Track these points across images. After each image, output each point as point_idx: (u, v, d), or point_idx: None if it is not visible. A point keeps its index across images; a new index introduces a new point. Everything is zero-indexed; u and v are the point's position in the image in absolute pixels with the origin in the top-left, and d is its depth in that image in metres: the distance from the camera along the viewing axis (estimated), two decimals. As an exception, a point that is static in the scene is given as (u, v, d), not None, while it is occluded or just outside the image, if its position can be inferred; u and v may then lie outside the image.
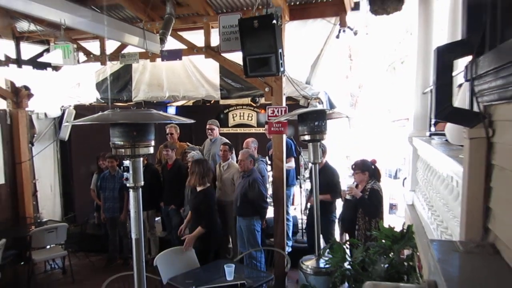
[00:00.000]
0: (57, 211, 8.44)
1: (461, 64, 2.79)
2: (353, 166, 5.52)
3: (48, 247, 6.63)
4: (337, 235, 6.23)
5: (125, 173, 3.09)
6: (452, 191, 2.40)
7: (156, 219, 7.37)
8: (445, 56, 1.70)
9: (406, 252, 3.55)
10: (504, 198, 1.48)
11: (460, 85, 2.92)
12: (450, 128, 2.94)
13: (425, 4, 4.51)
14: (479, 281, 1.37)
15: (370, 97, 19.56)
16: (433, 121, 4.09)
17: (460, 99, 2.61)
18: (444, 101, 1.67)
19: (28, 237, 6.16)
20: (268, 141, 6.75)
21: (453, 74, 1.82)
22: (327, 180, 5.78)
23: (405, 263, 3.31)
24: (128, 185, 3.16)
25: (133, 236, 3.21)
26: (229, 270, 4.25)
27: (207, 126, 6.95)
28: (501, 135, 1.51)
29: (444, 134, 3.26)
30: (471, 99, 1.69)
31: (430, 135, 3.97)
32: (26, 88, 7.21)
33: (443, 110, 1.69)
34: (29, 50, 6.74)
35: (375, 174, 5.38)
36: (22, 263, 6.75)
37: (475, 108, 1.64)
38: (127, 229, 6.76)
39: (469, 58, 1.70)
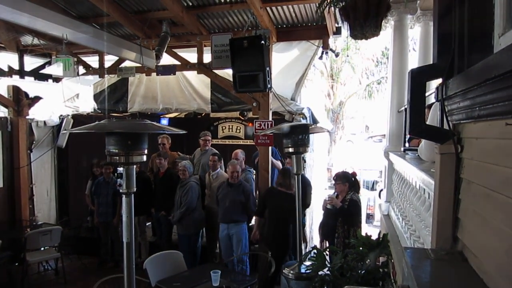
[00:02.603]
0: (52, 215, 8.28)
1: (433, 85, 2.85)
2: (335, 177, 5.55)
3: (42, 249, 6.48)
4: (316, 242, 6.24)
5: (118, 180, 3.05)
6: (424, 203, 2.42)
7: (147, 224, 7.27)
8: (418, 78, 1.73)
9: (382, 259, 3.56)
10: (471, 210, 1.50)
11: (429, 106, 2.97)
12: (422, 147, 2.99)
13: (399, 31, 4.61)
14: (449, 286, 1.38)
15: (349, 114, 19.79)
16: (407, 137, 4.14)
17: (430, 118, 2.66)
18: (418, 119, 1.69)
19: (23, 239, 6.02)
20: (254, 151, 6.76)
21: (426, 94, 1.85)
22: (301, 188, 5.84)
23: (381, 270, 3.31)
24: (121, 191, 3.12)
25: (125, 240, 3.16)
26: (215, 277, 4.19)
27: (203, 138, 6.88)
28: (469, 151, 1.54)
29: (417, 150, 3.30)
30: (442, 118, 1.72)
31: (405, 150, 4.01)
32: (38, 97, 7.15)
33: (417, 127, 1.71)
34: (31, 62, 6.68)
35: (355, 186, 5.41)
36: (17, 264, 6.57)
37: (445, 126, 1.67)
38: (119, 233, 6.64)
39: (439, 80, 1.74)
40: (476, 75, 1.27)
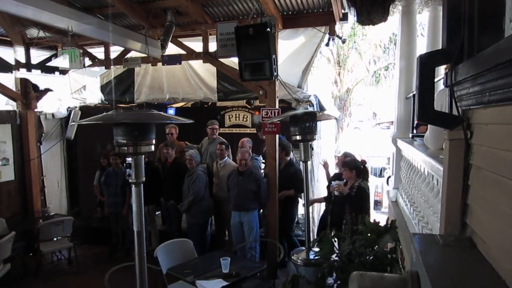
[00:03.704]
0: (63, 206, 8.39)
1: (441, 71, 2.81)
2: (343, 164, 5.53)
3: (55, 239, 6.59)
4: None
5: (127, 170, 3.08)
6: (432, 189, 2.41)
7: (157, 213, 7.35)
8: (427, 64, 1.71)
9: (390, 245, 3.57)
10: (480, 196, 1.49)
11: None
12: (428, 135, 2.97)
13: (407, 16, 4.55)
14: (457, 271, 1.38)
15: (357, 101, 19.65)
16: (415, 123, 4.11)
17: (436, 105, 2.63)
18: (427, 105, 1.68)
19: (36, 230, 6.12)
20: (261, 141, 6.76)
21: (434, 80, 1.83)
22: (291, 176, 5.94)
23: (389, 255, 3.32)
24: (130, 181, 3.15)
25: (135, 228, 3.20)
26: (225, 263, 4.24)
27: (211, 126, 6.90)
28: (478, 137, 1.53)
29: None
30: (451, 104, 1.70)
31: (413, 137, 3.99)
32: (48, 89, 7.19)
33: (426, 113, 1.69)
34: (38, 55, 6.70)
35: (364, 174, 5.41)
36: (31, 254, 6.70)
37: (454, 112, 1.65)
38: (129, 222, 6.72)
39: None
40: (487, 60, 1.25)
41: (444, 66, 2.40)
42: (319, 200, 6.29)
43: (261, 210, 6.14)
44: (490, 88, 1.28)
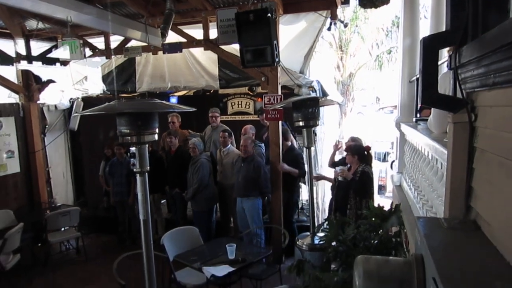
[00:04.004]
0: (70, 196, 8.46)
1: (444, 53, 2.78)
2: (346, 148, 5.55)
3: (62, 229, 6.68)
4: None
5: (132, 159, 3.10)
6: (436, 173, 2.41)
7: (162, 201, 7.40)
8: (431, 46, 1.69)
9: (394, 229, 3.58)
10: (485, 178, 1.49)
11: None
12: (432, 119, 2.96)
13: (410, -3, 4.47)
14: (462, 254, 1.39)
15: (359, 86, 19.52)
16: (419, 107, 4.09)
17: (439, 88, 2.61)
18: (430, 88, 1.66)
19: (44, 221, 6.20)
20: (263, 127, 6.76)
21: (438, 63, 1.81)
22: (293, 160, 5.97)
23: (393, 239, 3.34)
24: (135, 170, 3.16)
25: (141, 217, 3.23)
26: (231, 249, 4.28)
27: (210, 114, 6.91)
28: (483, 120, 1.52)
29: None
30: (455, 86, 1.69)
31: (416, 120, 3.97)
32: (50, 81, 7.18)
33: (429, 96, 1.68)
34: (38, 47, 6.67)
35: (367, 159, 5.41)
36: (39, 244, 6.80)
37: (458, 95, 1.64)
38: (135, 211, 6.78)
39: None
40: (491, 41, 1.23)
41: (446, 49, 2.37)
42: (329, 179, 6.25)
43: (266, 198, 6.16)
44: (495, 70, 1.26)
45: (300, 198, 7.24)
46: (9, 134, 6.94)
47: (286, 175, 5.95)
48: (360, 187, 5.17)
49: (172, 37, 6.17)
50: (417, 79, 3.71)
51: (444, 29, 1.79)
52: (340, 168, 5.53)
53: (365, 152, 5.40)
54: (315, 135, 6.35)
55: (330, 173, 6.33)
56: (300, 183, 6.70)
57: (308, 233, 5.04)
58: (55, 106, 7.97)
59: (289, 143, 6.19)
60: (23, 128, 7.20)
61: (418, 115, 4.06)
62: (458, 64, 1.58)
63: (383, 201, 5.76)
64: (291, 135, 6.57)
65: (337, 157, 6.23)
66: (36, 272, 6.08)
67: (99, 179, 7.56)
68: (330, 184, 5.98)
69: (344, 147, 5.82)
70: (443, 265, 1.23)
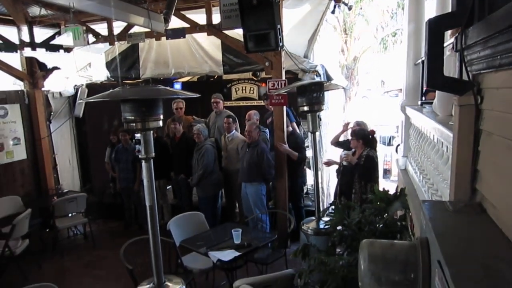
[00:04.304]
0: (76, 183, 8.54)
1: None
2: (351, 133, 5.53)
3: (69, 215, 6.76)
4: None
5: (137, 146, 3.12)
6: (442, 156, 2.40)
7: (168, 187, 7.45)
8: (436, 28, 1.66)
9: (399, 213, 3.59)
10: (491, 161, 1.48)
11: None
12: (436, 102, 2.94)
13: (416, -22, 4.38)
14: (467, 236, 1.39)
15: (364, 70, 19.33)
16: (424, 90, 4.05)
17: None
18: (436, 71, 1.64)
19: (51, 207, 6.27)
20: (266, 111, 6.74)
21: (444, 45, 1.78)
22: (293, 144, 5.97)
23: (398, 223, 3.35)
24: (140, 156, 3.19)
25: (147, 203, 3.26)
26: (237, 234, 4.32)
27: (212, 100, 6.91)
28: (489, 102, 1.50)
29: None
30: (461, 69, 1.67)
31: (422, 104, 3.93)
32: (55, 68, 7.17)
33: (435, 79, 1.66)
34: (41, 34, 6.64)
35: (372, 143, 5.40)
36: (47, 230, 6.90)
37: (464, 77, 1.62)
38: (141, 197, 6.84)
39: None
40: (498, 22, 1.21)
41: (449, 32, 2.34)
42: (339, 163, 6.24)
43: (270, 183, 6.18)
44: (502, 51, 1.24)
45: (306, 183, 7.26)
46: (14, 121, 6.97)
47: (290, 161, 5.96)
48: (365, 171, 5.18)
49: (175, 22, 6.12)
50: (423, 61, 3.67)
51: (450, 10, 1.76)
52: (345, 153, 5.53)
53: (370, 136, 5.39)
54: (320, 120, 6.32)
55: (335, 154, 6.33)
56: (305, 168, 6.71)
57: (314, 218, 5.07)
58: (60, 93, 7.98)
59: (290, 129, 6.16)
60: (28, 115, 7.23)
61: (423, 98, 4.03)
62: (464, 46, 1.55)
63: (388, 185, 5.75)
64: (295, 121, 6.56)
65: (341, 138, 6.22)
66: (45, 257, 6.19)
67: (105, 165, 7.62)
68: (335, 169, 5.99)
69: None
70: (448, 248, 1.24)
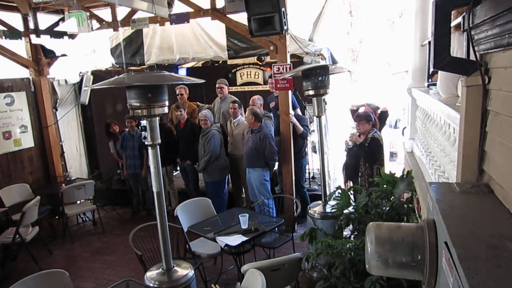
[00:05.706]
0: (84, 170, 8.61)
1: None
2: (358, 118, 5.46)
3: (78, 202, 6.84)
4: (340, 183, 6.35)
5: (143, 132, 3.13)
6: (449, 138, 2.39)
7: (174, 173, 7.50)
8: (443, 8, 1.64)
9: (406, 195, 3.60)
10: (498, 141, 1.47)
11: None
12: (439, 83, 2.91)
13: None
14: (475, 217, 1.39)
15: (370, 52, 19.10)
16: (431, 71, 4.00)
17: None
18: (443, 51, 1.62)
19: (60, 194, 6.34)
20: (270, 94, 6.71)
21: (451, 25, 1.76)
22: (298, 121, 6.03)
23: (405, 205, 3.36)
24: (146, 143, 3.20)
25: (154, 189, 3.29)
26: (244, 219, 4.35)
27: (217, 85, 6.90)
28: (497, 82, 1.48)
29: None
30: (468, 48, 1.65)
31: (428, 85, 3.90)
32: (63, 55, 7.15)
33: (442, 60, 1.64)
34: (45, 20, 6.62)
35: (381, 122, 5.46)
36: (57, 217, 7.00)
37: (471, 57, 1.60)
38: (148, 183, 6.90)
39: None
40: (506, 0, 1.19)
41: (453, 13, 2.29)
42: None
43: (275, 168, 6.20)
44: (510, 29, 1.23)
45: (311, 167, 7.27)
46: (21, 109, 7.01)
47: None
48: (370, 153, 5.17)
49: (179, 7, 6.06)
50: (429, 42, 3.62)
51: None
52: (351, 133, 5.54)
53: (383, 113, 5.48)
54: (325, 103, 6.29)
55: (342, 139, 6.31)
56: (306, 150, 6.69)
57: (320, 202, 5.09)
58: (65, 80, 7.99)
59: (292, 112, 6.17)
60: (35, 102, 7.25)
61: (430, 80, 3.99)
62: (471, 25, 1.53)
63: (394, 168, 5.76)
64: (299, 107, 6.54)
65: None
66: (56, 243, 6.30)
67: (111, 151, 7.68)
68: (340, 154, 6.02)
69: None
70: (455, 229, 1.24)
